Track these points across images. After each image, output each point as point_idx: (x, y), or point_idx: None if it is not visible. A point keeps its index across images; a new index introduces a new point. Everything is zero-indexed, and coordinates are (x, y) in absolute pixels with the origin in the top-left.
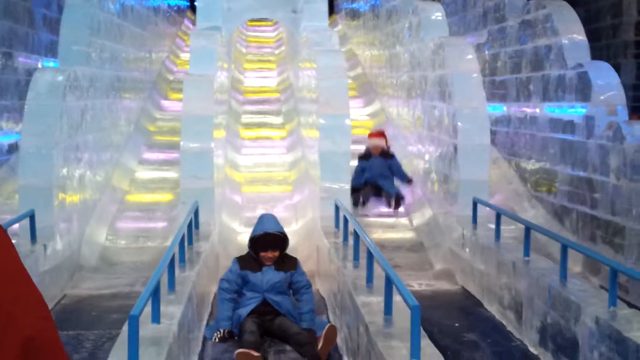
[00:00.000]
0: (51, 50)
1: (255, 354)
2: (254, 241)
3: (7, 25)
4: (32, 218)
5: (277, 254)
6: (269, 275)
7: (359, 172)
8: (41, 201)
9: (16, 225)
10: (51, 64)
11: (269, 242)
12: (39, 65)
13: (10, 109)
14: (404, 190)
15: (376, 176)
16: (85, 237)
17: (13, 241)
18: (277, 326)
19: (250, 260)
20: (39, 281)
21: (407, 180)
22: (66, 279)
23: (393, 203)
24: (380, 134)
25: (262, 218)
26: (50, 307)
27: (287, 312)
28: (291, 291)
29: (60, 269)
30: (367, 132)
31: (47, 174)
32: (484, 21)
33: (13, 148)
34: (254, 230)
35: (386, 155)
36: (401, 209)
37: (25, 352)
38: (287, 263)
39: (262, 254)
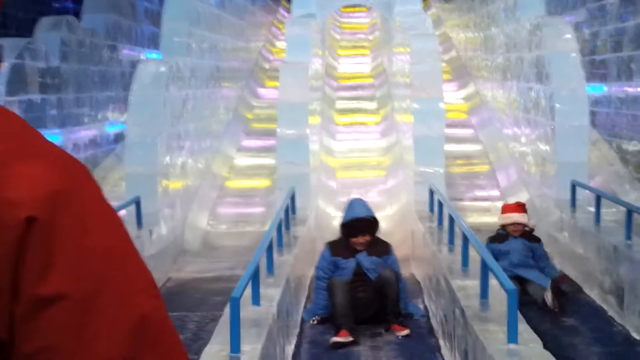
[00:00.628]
0: (153, 42)
1: (349, 338)
2: (345, 227)
3: (112, 18)
4: (137, 204)
5: (368, 238)
6: (362, 261)
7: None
8: (146, 188)
9: (123, 212)
10: (153, 56)
11: (359, 227)
12: (142, 57)
13: (115, 100)
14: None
15: (516, 266)
16: (187, 222)
17: None
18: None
19: (342, 246)
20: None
21: (557, 279)
22: (170, 263)
23: (551, 299)
24: (520, 207)
25: (352, 203)
26: None
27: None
28: None
29: (164, 253)
30: (462, 115)
31: (151, 161)
32: None
33: (119, 137)
34: (344, 216)
35: (530, 237)
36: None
37: (139, 330)
38: (381, 247)
39: (353, 239)
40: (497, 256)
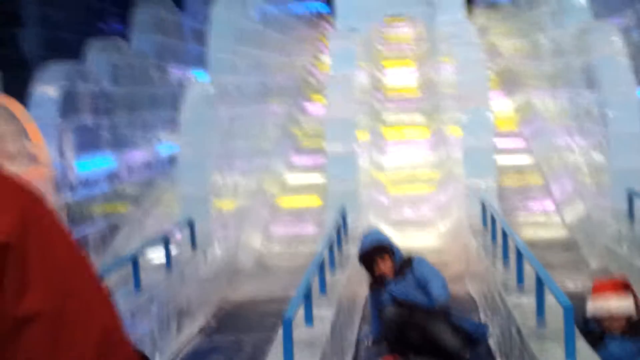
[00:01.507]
0: (200, 60)
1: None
2: (363, 263)
3: (160, 39)
4: (191, 226)
5: (389, 262)
6: (393, 291)
7: None
8: (200, 209)
9: (178, 233)
10: (200, 74)
11: (371, 259)
12: (189, 76)
13: (165, 120)
14: None
15: None
16: (241, 243)
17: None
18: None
19: (373, 280)
20: (201, 286)
21: None
22: (225, 284)
23: None
24: (619, 287)
25: (363, 238)
26: (212, 312)
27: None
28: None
29: (219, 275)
30: (513, 126)
31: (203, 182)
32: (629, 1)
33: (172, 159)
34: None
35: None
36: None
37: (102, 341)
38: (404, 265)
39: (378, 271)
40: None
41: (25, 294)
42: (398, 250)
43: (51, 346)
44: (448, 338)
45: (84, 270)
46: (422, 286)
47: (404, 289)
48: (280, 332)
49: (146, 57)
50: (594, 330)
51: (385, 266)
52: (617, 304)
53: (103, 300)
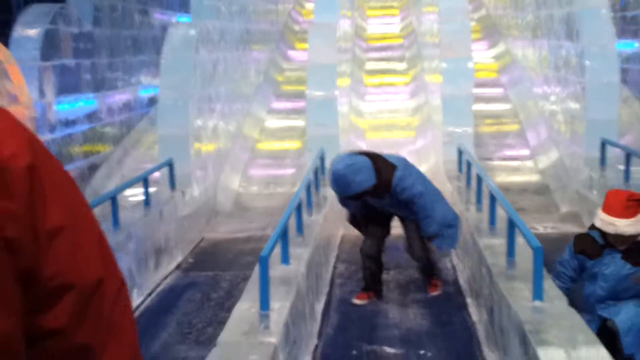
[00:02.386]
0: (184, 5)
1: (368, 298)
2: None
3: None
4: (171, 166)
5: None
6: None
7: (568, 274)
8: (179, 150)
9: (157, 173)
10: (184, 19)
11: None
12: (173, 21)
13: (148, 64)
14: None
15: (620, 297)
16: (219, 184)
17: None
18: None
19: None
20: (179, 225)
21: None
22: (203, 224)
23: None
24: (633, 206)
25: (333, 176)
26: (189, 250)
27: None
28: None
29: (197, 214)
30: (492, 74)
31: (183, 124)
32: None
33: (152, 101)
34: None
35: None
36: None
37: (101, 250)
38: (381, 190)
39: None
40: (585, 269)
41: (50, 210)
42: (372, 179)
43: (73, 256)
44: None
45: (77, 192)
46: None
47: (387, 209)
48: (257, 269)
49: (129, 0)
50: (595, 241)
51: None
52: (626, 224)
53: (92, 216)
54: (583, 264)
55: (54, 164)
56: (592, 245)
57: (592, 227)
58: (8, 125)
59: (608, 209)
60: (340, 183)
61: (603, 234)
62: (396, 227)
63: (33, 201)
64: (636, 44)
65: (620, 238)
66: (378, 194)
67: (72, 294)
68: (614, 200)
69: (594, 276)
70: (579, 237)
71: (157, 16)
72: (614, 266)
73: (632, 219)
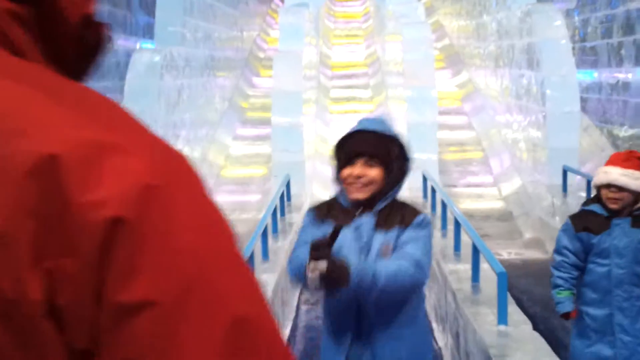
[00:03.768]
0: (148, 31)
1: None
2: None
3: (107, 9)
4: None
5: (374, 174)
6: (362, 227)
7: (570, 261)
8: None
9: None
10: (149, 45)
11: (352, 154)
12: (137, 47)
13: (111, 90)
14: None
15: (621, 271)
16: None
17: None
18: None
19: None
20: None
21: None
22: None
23: None
24: (633, 160)
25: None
26: None
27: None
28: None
29: None
30: (456, 103)
31: None
32: None
33: None
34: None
35: None
36: None
37: (232, 336)
38: (396, 214)
39: (345, 175)
40: (590, 250)
41: (135, 280)
42: (404, 167)
43: (162, 342)
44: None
45: (218, 254)
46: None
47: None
48: None
49: None
50: (596, 212)
51: (366, 181)
52: (620, 172)
53: (241, 290)
54: (588, 244)
55: (182, 222)
56: (594, 218)
57: (587, 202)
58: (124, 166)
59: (607, 164)
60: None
61: (603, 205)
62: None
63: (108, 264)
64: (595, 74)
65: (613, 195)
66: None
67: None
68: (615, 156)
69: (604, 254)
70: (576, 216)
71: (121, 42)
72: (626, 238)
73: (629, 170)
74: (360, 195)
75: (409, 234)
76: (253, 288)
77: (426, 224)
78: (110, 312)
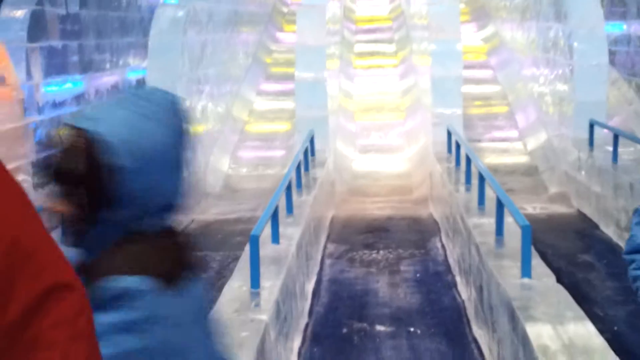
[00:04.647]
0: None
1: None
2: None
3: None
4: None
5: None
6: None
7: None
8: None
9: None
10: (172, 0)
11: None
12: (161, 2)
13: (136, 46)
14: None
15: None
16: (209, 166)
17: None
18: None
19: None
20: None
21: None
22: (193, 205)
23: None
24: None
25: None
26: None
27: None
28: None
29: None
30: (481, 56)
31: None
32: None
33: (141, 83)
34: None
35: None
36: None
37: (10, 251)
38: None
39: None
40: None
41: None
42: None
43: None
44: None
45: None
46: None
47: None
48: (247, 248)
49: None
50: None
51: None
52: None
53: (16, 210)
54: None
55: None
56: None
57: None
58: None
59: None
60: None
61: None
62: (379, 205)
63: None
64: (624, 26)
65: None
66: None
67: None
68: None
69: None
70: None
71: None
72: None
73: None
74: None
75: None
76: (29, 213)
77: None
78: None
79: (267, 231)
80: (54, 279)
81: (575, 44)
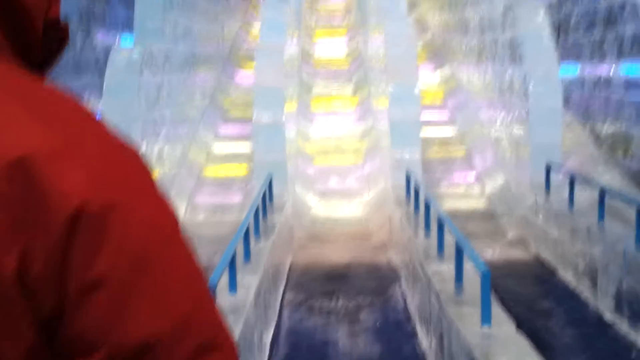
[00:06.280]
0: (127, 25)
1: None
2: None
3: (85, 3)
4: None
5: None
6: None
7: None
8: None
9: None
10: (128, 40)
11: None
12: (116, 42)
13: (90, 86)
14: None
15: None
16: None
17: None
18: None
19: None
20: None
21: None
22: None
23: None
24: None
25: None
26: None
27: None
28: None
29: None
30: (438, 99)
31: None
32: None
33: None
34: None
35: None
36: None
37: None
38: None
39: None
40: None
41: (95, 259)
42: None
43: (117, 313)
44: None
45: (166, 242)
46: None
47: None
48: None
49: (70, 21)
50: None
51: None
52: None
53: (185, 281)
54: None
55: (136, 213)
56: None
57: None
58: (86, 162)
59: None
60: None
61: None
62: (338, 251)
63: (72, 243)
64: (577, 69)
65: None
66: None
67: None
68: None
69: None
70: None
71: (100, 37)
72: None
73: None
74: None
75: None
76: (196, 279)
77: None
78: (73, 286)
79: (224, 279)
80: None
81: (531, 87)
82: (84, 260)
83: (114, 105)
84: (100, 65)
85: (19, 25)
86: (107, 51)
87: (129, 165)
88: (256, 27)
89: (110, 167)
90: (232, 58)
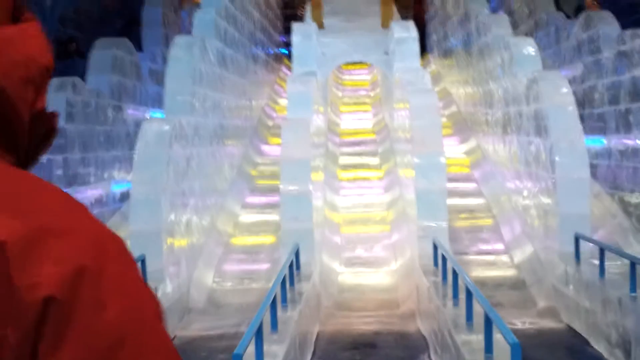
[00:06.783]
0: (158, 101)
1: None
2: None
3: (117, 79)
4: (143, 262)
5: None
6: None
7: None
8: (151, 246)
9: None
10: (158, 115)
11: None
12: (147, 116)
13: (121, 159)
14: None
15: None
16: (193, 280)
17: None
18: None
19: None
20: None
21: None
22: (176, 321)
23: None
24: None
25: None
26: None
27: None
28: None
29: (170, 311)
30: (464, 169)
31: (156, 219)
32: (578, 54)
33: (125, 196)
34: None
35: None
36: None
37: None
38: None
39: None
40: None
41: (61, 350)
42: None
43: None
44: None
45: (140, 332)
46: None
47: None
48: None
49: (102, 96)
50: None
51: None
52: None
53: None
54: None
55: (108, 301)
56: None
57: None
58: (60, 250)
59: None
60: None
61: None
62: (365, 320)
63: (41, 335)
64: (604, 140)
65: None
66: None
67: None
68: None
69: None
70: None
71: (131, 112)
72: None
73: None
74: None
75: None
76: None
77: None
78: None
79: (251, 349)
80: None
81: (557, 158)
82: (51, 351)
83: (143, 177)
84: (131, 138)
85: (4, 116)
86: (137, 125)
87: (104, 256)
88: (283, 101)
89: (82, 258)
90: (259, 130)
